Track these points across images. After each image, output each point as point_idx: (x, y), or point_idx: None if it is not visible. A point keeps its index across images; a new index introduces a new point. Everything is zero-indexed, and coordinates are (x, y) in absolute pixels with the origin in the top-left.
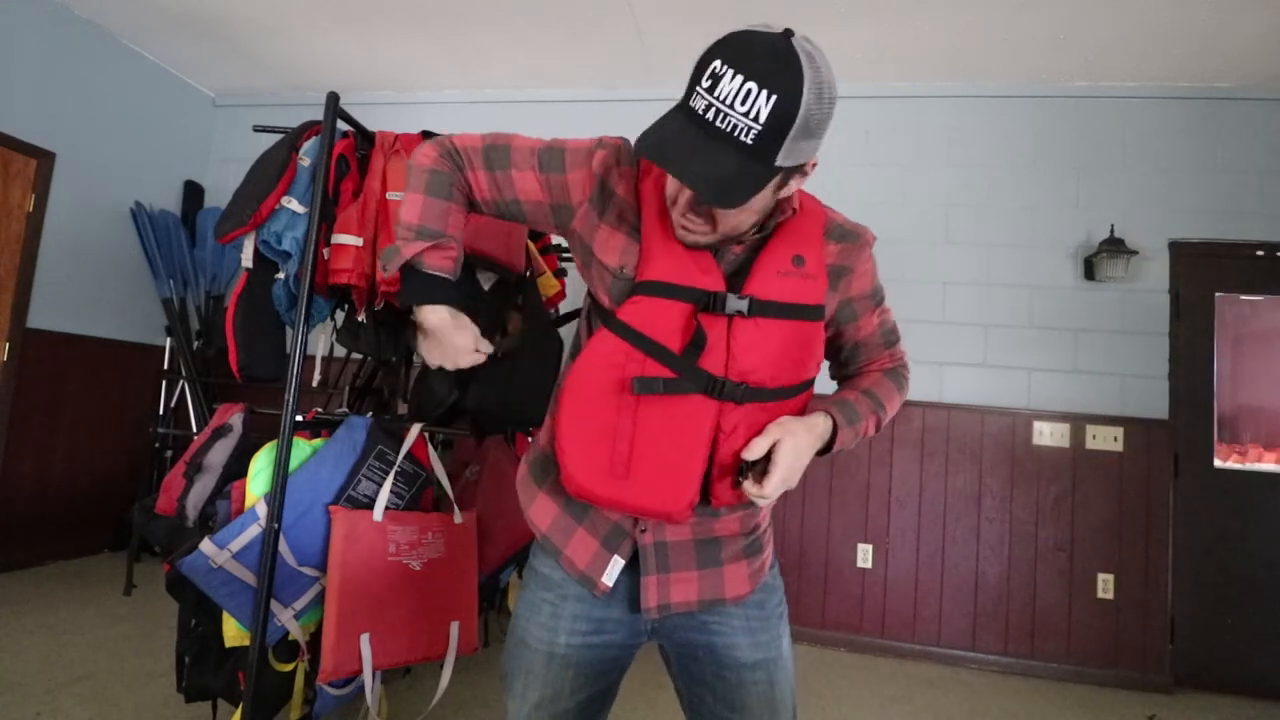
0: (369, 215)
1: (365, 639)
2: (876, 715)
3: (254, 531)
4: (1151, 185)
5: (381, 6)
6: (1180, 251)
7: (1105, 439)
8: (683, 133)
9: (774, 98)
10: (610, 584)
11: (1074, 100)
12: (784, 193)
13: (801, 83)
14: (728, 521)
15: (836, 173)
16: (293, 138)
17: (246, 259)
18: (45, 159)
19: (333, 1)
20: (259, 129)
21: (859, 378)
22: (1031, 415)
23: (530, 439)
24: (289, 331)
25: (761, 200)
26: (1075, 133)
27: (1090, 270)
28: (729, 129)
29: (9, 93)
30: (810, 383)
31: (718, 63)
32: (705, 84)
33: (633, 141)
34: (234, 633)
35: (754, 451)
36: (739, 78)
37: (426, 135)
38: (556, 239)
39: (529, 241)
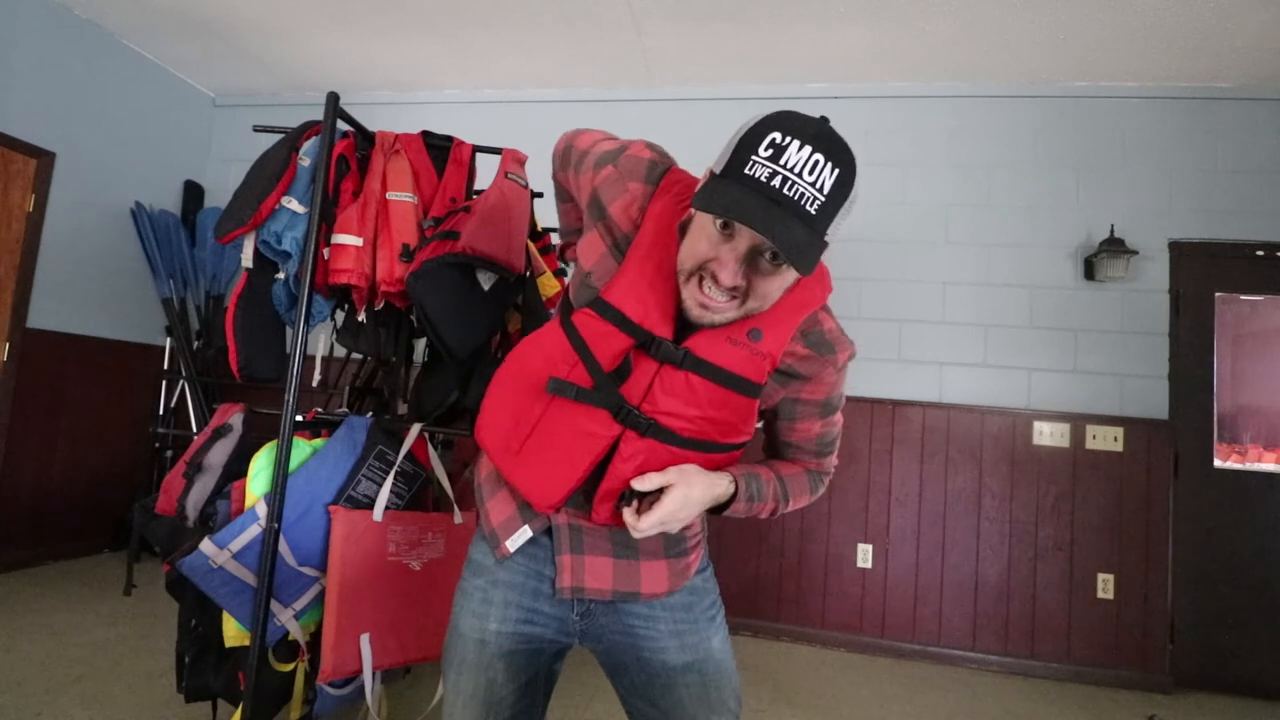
0: (369, 215)
1: (365, 639)
2: (876, 715)
3: (254, 531)
4: (1151, 185)
5: (381, 6)
6: (1180, 251)
7: (1105, 439)
8: (748, 198)
9: (837, 171)
10: (512, 550)
11: (1074, 100)
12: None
13: (855, 163)
14: None
15: None
16: (293, 138)
17: (246, 259)
18: (45, 159)
19: (333, 2)
20: (259, 129)
21: (782, 464)
22: (1031, 415)
23: None
24: (289, 331)
25: (794, 276)
26: (1075, 132)
27: (1090, 270)
28: (795, 197)
29: (9, 93)
30: (739, 446)
31: (777, 134)
32: (765, 153)
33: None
34: (234, 633)
35: (643, 484)
36: (806, 149)
37: (427, 135)
38: (556, 239)
39: (529, 242)
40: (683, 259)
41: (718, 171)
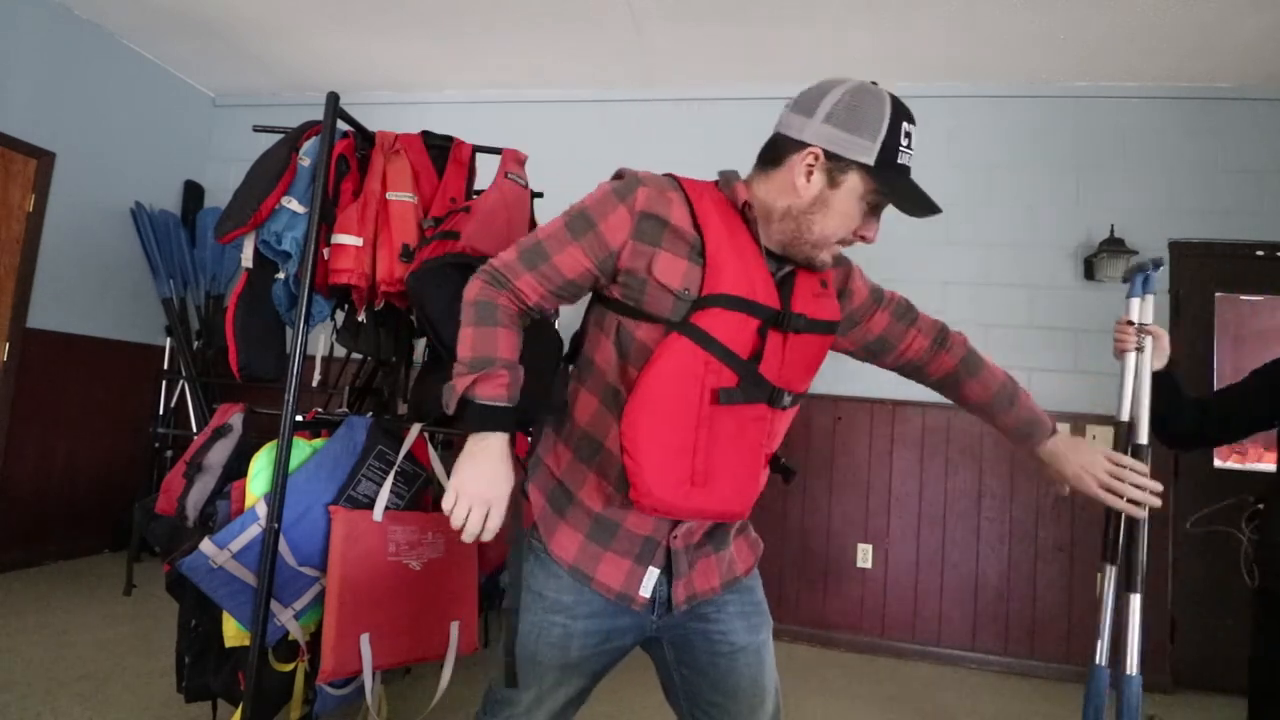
0: (369, 215)
1: (365, 639)
2: (876, 715)
3: (254, 531)
4: (1151, 185)
5: (381, 7)
6: (1180, 251)
7: (1105, 439)
8: (914, 189)
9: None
10: (649, 595)
11: (1074, 100)
12: None
13: None
14: None
15: None
16: (293, 137)
17: (246, 259)
18: (45, 159)
19: (333, 2)
20: (259, 129)
21: (943, 361)
22: None
23: (530, 439)
24: (289, 331)
25: None
26: (1075, 132)
27: (1090, 270)
28: (911, 169)
29: (9, 93)
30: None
31: (908, 125)
32: (905, 142)
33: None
34: (234, 633)
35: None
36: (913, 128)
37: (427, 135)
38: None
39: None
40: (836, 230)
41: (870, 162)
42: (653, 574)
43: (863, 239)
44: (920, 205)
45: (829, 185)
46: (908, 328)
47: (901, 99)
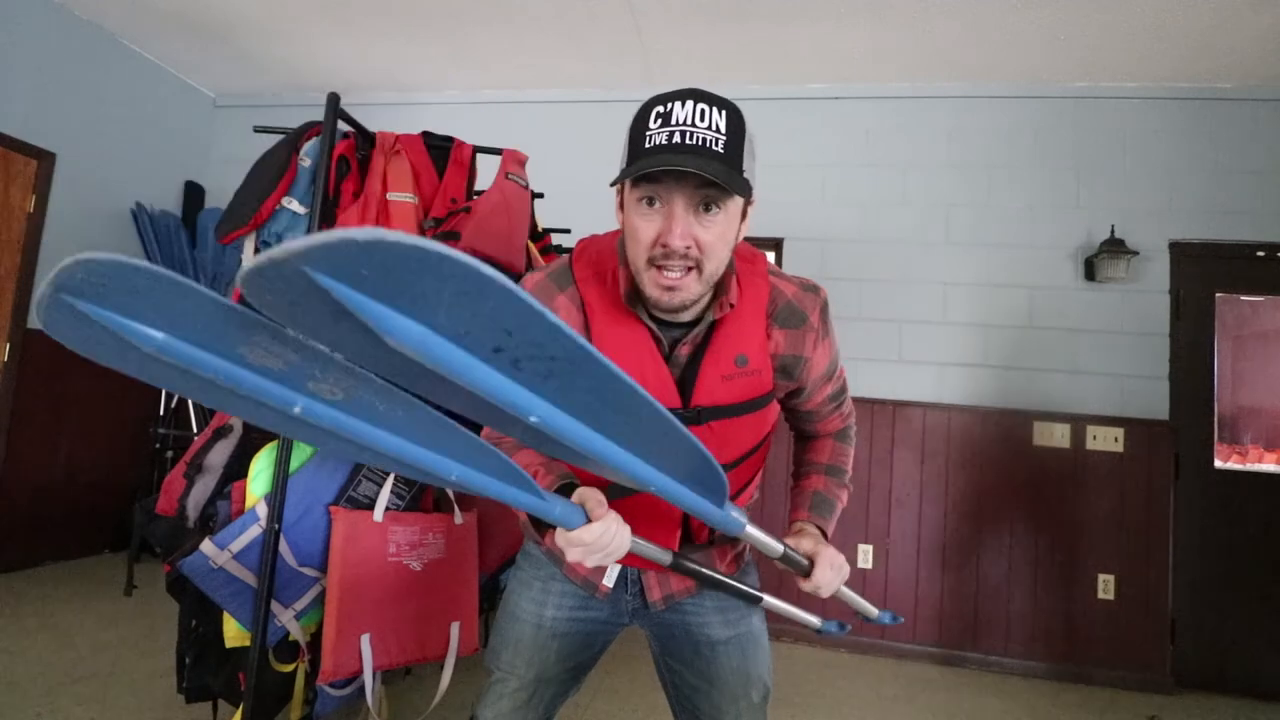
0: (370, 216)
1: (365, 639)
2: (876, 715)
3: (254, 532)
4: (1151, 185)
5: (381, 7)
6: (1180, 251)
7: (1105, 439)
8: (658, 157)
9: (725, 111)
10: (610, 585)
11: (1074, 100)
12: (741, 230)
13: (735, 105)
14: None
15: (836, 173)
16: (293, 138)
17: (247, 260)
18: (45, 159)
19: (333, 2)
20: (259, 129)
21: (815, 449)
22: (1031, 415)
23: None
24: None
25: (732, 229)
26: (1075, 133)
27: (1090, 270)
28: (700, 143)
29: (9, 93)
30: (766, 436)
31: (659, 107)
32: (656, 124)
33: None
34: (234, 633)
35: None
36: (689, 103)
37: (427, 136)
38: (557, 239)
39: (529, 242)
40: (634, 256)
41: (625, 164)
42: (615, 568)
43: (664, 246)
44: (652, 164)
45: (620, 210)
46: (836, 409)
47: (688, 91)
